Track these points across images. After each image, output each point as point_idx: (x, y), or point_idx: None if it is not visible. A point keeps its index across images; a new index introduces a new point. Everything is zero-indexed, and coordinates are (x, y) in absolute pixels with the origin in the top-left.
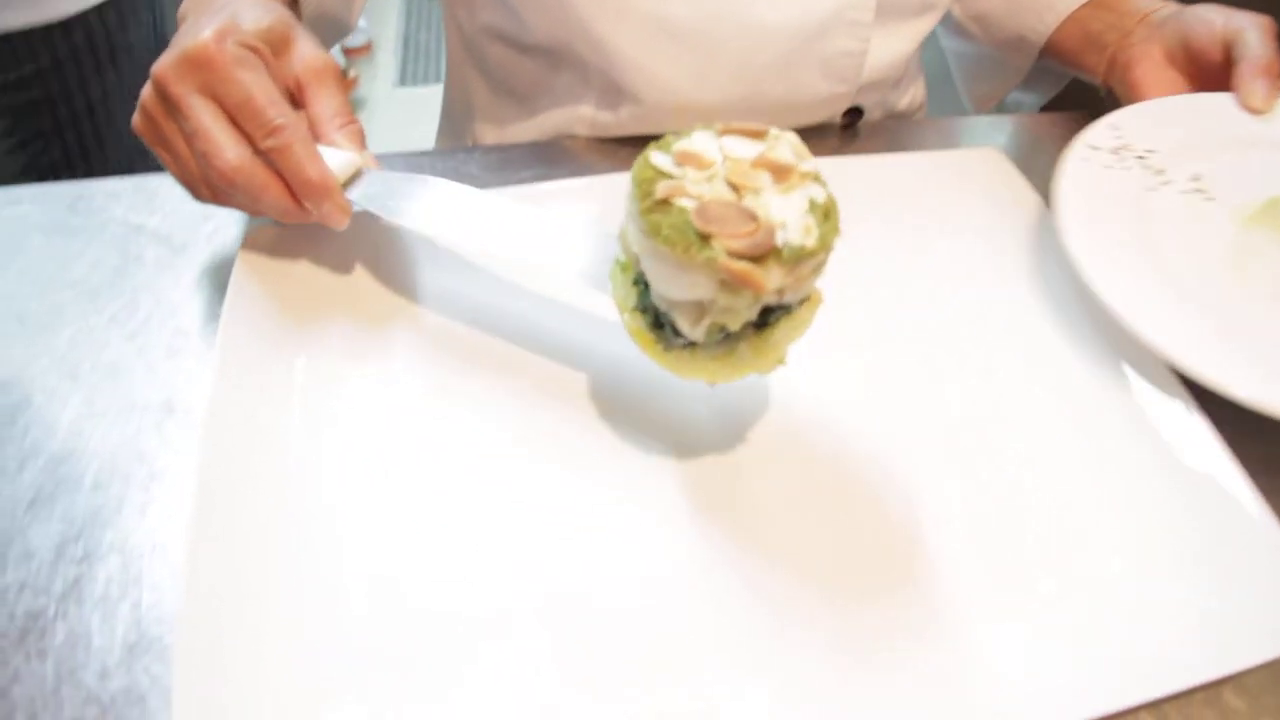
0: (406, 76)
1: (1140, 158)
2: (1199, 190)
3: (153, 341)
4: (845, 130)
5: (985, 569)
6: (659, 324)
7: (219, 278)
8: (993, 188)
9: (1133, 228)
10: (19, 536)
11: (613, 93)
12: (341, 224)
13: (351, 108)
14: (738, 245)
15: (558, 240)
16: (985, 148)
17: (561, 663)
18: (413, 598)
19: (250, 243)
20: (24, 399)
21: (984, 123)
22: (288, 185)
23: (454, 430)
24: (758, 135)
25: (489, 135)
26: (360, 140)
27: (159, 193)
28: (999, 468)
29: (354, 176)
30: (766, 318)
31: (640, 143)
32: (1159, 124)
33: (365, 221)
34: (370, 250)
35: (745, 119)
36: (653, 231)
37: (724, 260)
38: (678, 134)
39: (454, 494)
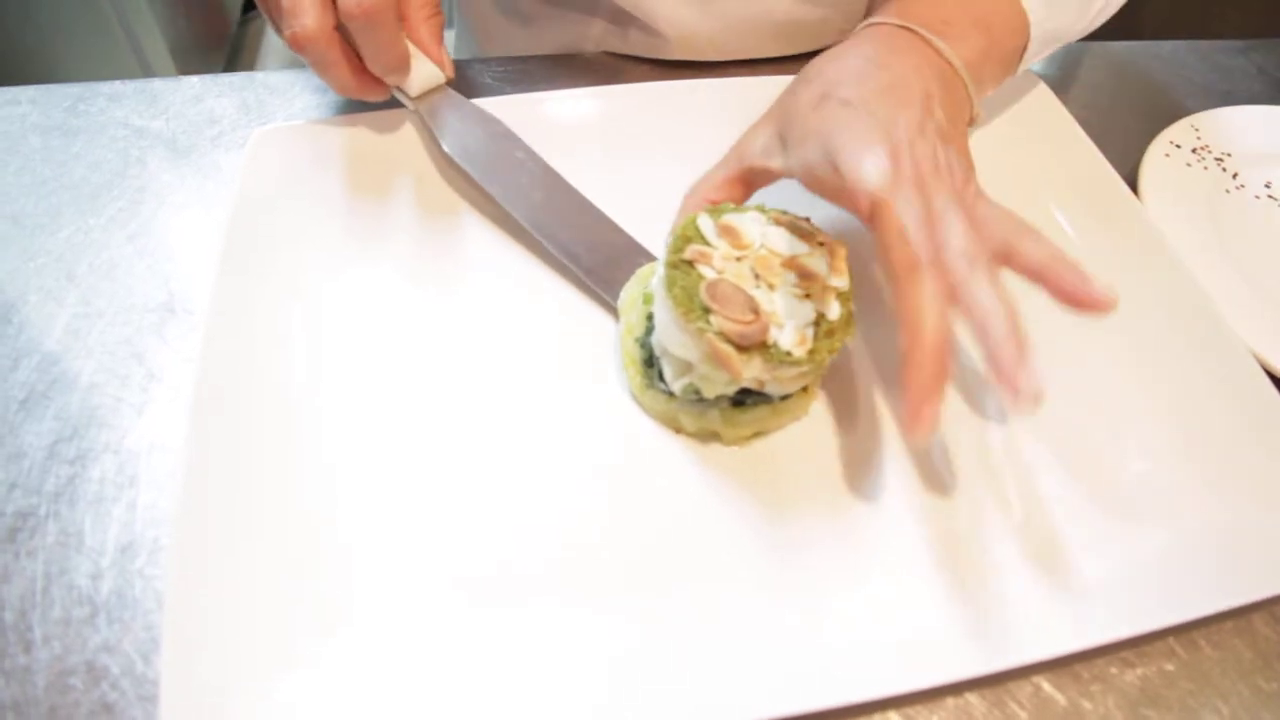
0: None
1: (1218, 160)
2: (1271, 197)
3: (154, 243)
4: None
5: (1006, 487)
6: (650, 363)
7: (223, 180)
8: (1028, 110)
9: (1208, 222)
10: (10, 435)
11: (621, 18)
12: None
13: None
14: (730, 329)
15: (596, 239)
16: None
17: (562, 571)
18: (410, 504)
19: (257, 146)
20: (19, 297)
21: None
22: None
23: (462, 339)
24: (807, 237)
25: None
26: (440, 35)
27: (162, 96)
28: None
29: (433, 90)
30: (743, 398)
31: (658, 62)
32: (1236, 130)
33: (377, 125)
34: (379, 156)
35: (754, 43)
36: (667, 284)
37: (711, 336)
38: (737, 209)
39: (458, 403)
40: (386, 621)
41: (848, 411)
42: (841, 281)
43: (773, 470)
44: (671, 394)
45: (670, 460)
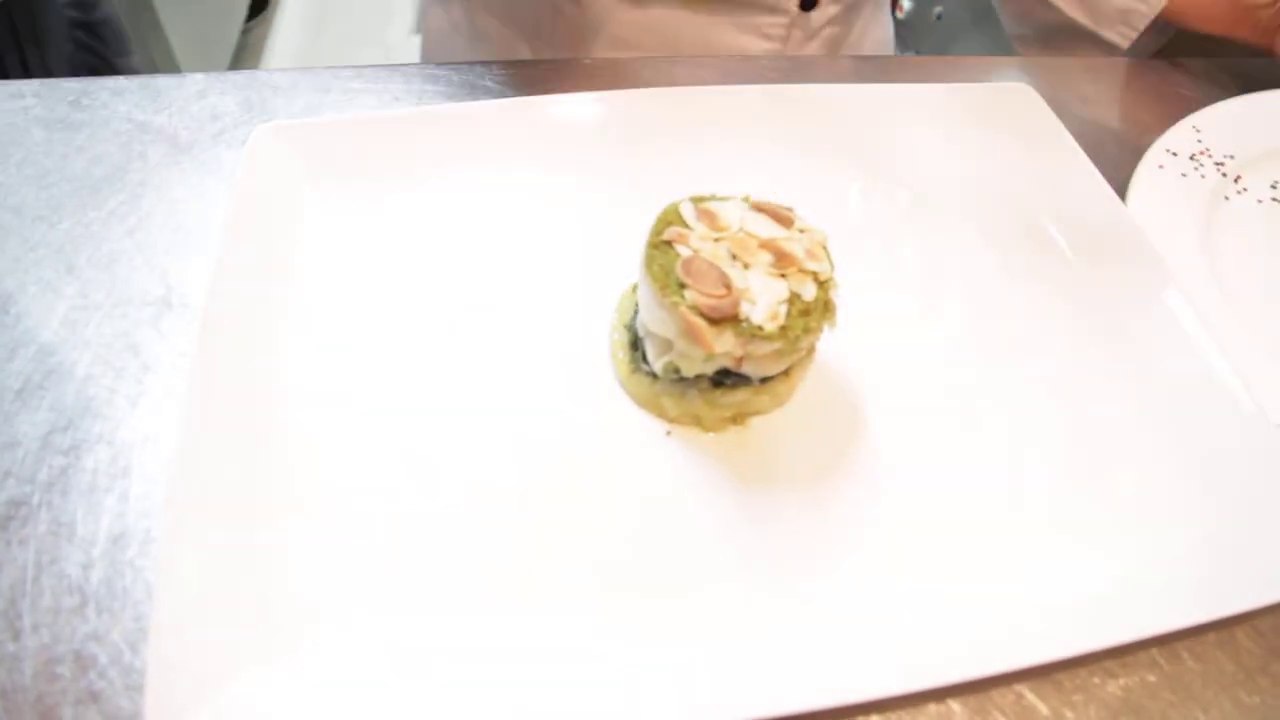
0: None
1: (1219, 164)
2: (1275, 200)
3: (153, 237)
4: (802, 12)
5: (992, 495)
6: (635, 345)
7: (223, 176)
8: (1022, 123)
9: (1200, 242)
10: (5, 424)
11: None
12: None
13: None
14: (702, 302)
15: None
16: (1015, 83)
17: (545, 564)
18: (399, 499)
19: (257, 143)
20: (18, 288)
21: (1014, 63)
22: None
23: (454, 337)
24: (787, 223)
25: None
26: None
27: (165, 92)
28: (1024, 402)
29: None
30: (723, 379)
31: (658, 69)
32: (1242, 126)
33: (377, 125)
34: (378, 155)
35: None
36: (647, 264)
37: (684, 309)
38: (718, 197)
39: (449, 401)
40: (373, 615)
41: (834, 406)
42: (819, 266)
43: (755, 461)
44: (655, 375)
45: (654, 449)
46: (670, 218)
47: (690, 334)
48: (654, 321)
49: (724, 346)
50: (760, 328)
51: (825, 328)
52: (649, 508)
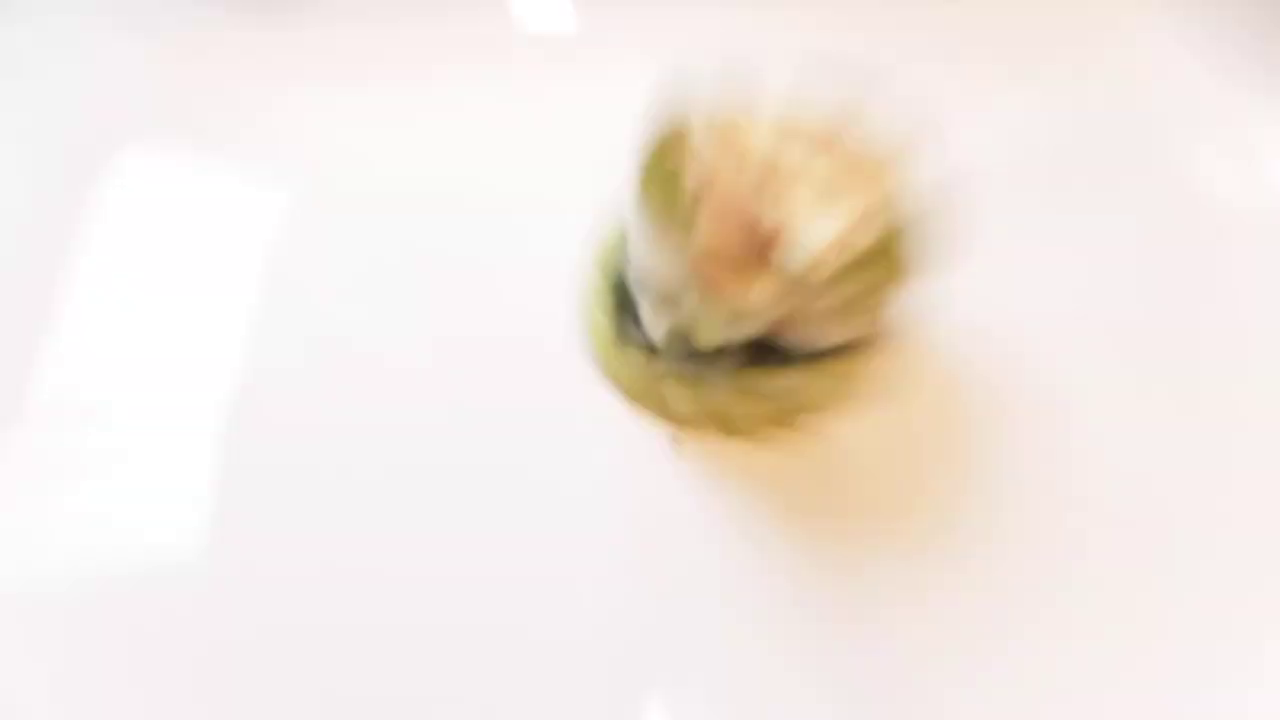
0: None
1: None
2: None
3: None
4: None
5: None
6: (624, 307)
7: None
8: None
9: None
10: None
11: None
12: None
13: None
14: (721, 238)
15: None
16: None
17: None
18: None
19: None
20: None
21: None
22: None
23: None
24: (835, 128)
25: None
26: None
27: None
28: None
29: None
30: (758, 356)
31: None
32: None
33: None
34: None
35: None
36: (643, 188)
37: (698, 248)
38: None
39: (368, 422)
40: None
41: (942, 412)
42: (895, 188)
43: (813, 493)
44: (652, 349)
45: (650, 470)
46: (672, 126)
47: (707, 284)
48: (651, 269)
49: (758, 298)
50: (809, 268)
51: (909, 281)
52: (642, 578)
